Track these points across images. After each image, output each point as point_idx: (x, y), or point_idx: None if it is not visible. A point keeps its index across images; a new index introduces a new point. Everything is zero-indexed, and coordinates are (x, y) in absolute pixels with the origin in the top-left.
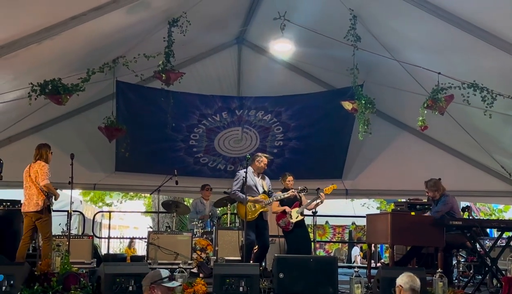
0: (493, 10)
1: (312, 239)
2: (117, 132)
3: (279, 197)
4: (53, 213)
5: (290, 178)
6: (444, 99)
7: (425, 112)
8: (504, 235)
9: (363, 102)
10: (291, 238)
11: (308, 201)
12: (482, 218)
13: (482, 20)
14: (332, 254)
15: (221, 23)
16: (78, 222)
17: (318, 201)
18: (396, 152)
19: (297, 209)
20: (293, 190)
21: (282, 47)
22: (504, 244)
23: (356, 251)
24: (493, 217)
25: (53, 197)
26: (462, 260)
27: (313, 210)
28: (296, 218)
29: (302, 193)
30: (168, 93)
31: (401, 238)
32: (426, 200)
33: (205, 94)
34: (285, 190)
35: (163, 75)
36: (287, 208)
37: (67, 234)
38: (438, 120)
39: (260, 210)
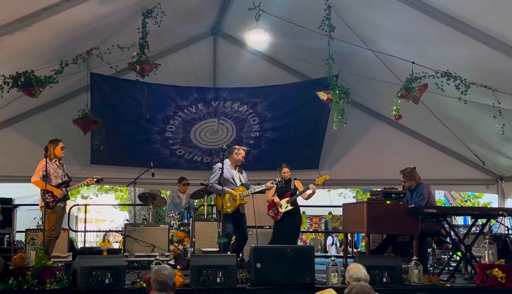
0: (466, 0)
1: None
2: (93, 125)
3: (253, 191)
4: (27, 207)
5: (285, 169)
6: (418, 88)
7: (399, 101)
8: (478, 222)
9: (337, 92)
10: (278, 227)
11: (301, 190)
12: (457, 205)
13: (455, 10)
14: (310, 244)
15: (196, 14)
16: None
17: (309, 192)
18: (371, 142)
19: (287, 199)
20: (272, 182)
21: (258, 38)
22: (478, 231)
23: (330, 240)
24: (468, 204)
25: (53, 193)
26: (437, 248)
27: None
28: (286, 208)
29: (279, 185)
30: (143, 85)
31: (377, 226)
32: (401, 189)
33: (180, 85)
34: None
35: (138, 67)
36: (275, 199)
37: (42, 228)
38: (413, 110)
39: (238, 203)
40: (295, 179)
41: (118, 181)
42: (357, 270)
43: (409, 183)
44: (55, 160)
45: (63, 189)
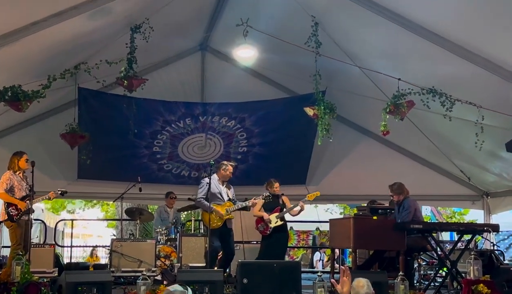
0: (451, 18)
1: None
2: (80, 139)
3: (239, 206)
4: None
5: (277, 184)
6: (406, 104)
7: (388, 117)
8: (463, 238)
9: (322, 107)
10: (266, 243)
11: (291, 206)
12: (443, 221)
13: (440, 27)
14: (298, 260)
15: (184, 30)
16: (39, 231)
17: (297, 208)
18: (358, 158)
19: (276, 214)
20: (254, 198)
21: (245, 54)
22: (463, 247)
23: (317, 256)
24: (454, 220)
25: (17, 206)
26: (423, 263)
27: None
28: (275, 223)
29: (266, 200)
30: (131, 100)
31: (363, 242)
32: (388, 205)
33: (168, 100)
34: (271, 196)
35: (125, 82)
36: (265, 216)
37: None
38: (399, 125)
39: (225, 218)
40: (282, 194)
41: (105, 196)
42: (358, 287)
43: (398, 197)
44: (19, 173)
45: (27, 202)
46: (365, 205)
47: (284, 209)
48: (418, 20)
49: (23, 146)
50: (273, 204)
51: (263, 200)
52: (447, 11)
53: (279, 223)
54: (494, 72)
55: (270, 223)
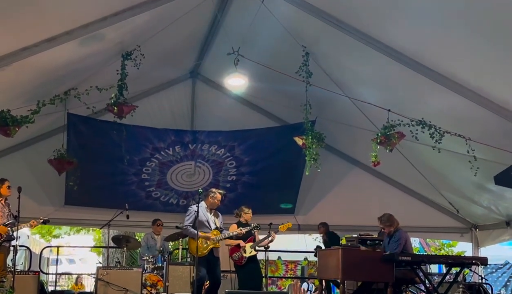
0: (441, 50)
1: (264, 275)
2: (68, 165)
3: (227, 235)
4: None
5: (249, 211)
6: (397, 135)
7: (378, 147)
8: (452, 271)
9: (310, 137)
10: (243, 272)
11: (261, 237)
12: (432, 253)
13: (429, 60)
14: (285, 290)
15: (175, 57)
16: (24, 258)
17: (269, 239)
18: (347, 188)
19: (251, 244)
20: (241, 229)
21: (236, 82)
22: (452, 280)
23: (305, 286)
24: (442, 252)
25: None
26: None
27: (266, 246)
28: (250, 252)
29: (255, 230)
30: (121, 126)
31: (351, 273)
32: (377, 236)
33: (158, 127)
34: (241, 223)
35: (115, 108)
36: (241, 243)
37: (12, 269)
38: (389, 157)
39: (211, 246)
40: (271, 223)
41: (92, 222)
42: None
43: (388, 229)
44: (1, 199)
45: (9, 228)
46: (354, 235)
47: (256, 240)
48: (408, 52)
49: (10, 172)
50: (246, 234)
51: (255, 230)
52: (436, 44)
53: (254, 253)
54: (483, 105)
55: (245, 253)
